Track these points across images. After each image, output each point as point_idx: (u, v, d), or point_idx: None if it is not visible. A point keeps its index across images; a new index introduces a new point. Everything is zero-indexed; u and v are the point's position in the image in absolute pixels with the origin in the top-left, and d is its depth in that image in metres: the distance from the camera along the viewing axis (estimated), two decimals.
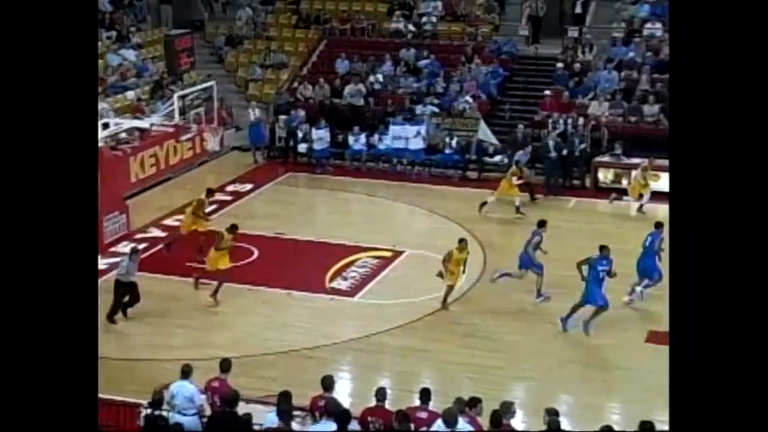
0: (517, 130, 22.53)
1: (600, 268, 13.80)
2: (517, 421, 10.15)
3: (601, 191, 21.17)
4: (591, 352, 13.69)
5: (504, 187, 19.77)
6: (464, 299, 15.50)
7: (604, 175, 21.58)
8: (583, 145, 21.95)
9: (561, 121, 22.71)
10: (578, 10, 26.69)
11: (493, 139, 23.10)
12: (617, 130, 22.38)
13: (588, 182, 21.69)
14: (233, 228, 15.44)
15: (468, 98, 24.21)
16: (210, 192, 18.03)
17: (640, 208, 19.74)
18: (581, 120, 22.65)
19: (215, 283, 15.16)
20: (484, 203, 19.72)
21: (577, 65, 24.47)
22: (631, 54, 24.44)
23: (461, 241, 15.31)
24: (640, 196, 19.84)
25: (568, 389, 12.77)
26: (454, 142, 23.09)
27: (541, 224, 15.69)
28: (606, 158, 21.67)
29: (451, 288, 15.06)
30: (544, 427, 9.48)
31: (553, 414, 9.53)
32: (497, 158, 22.73)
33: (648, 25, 25.38)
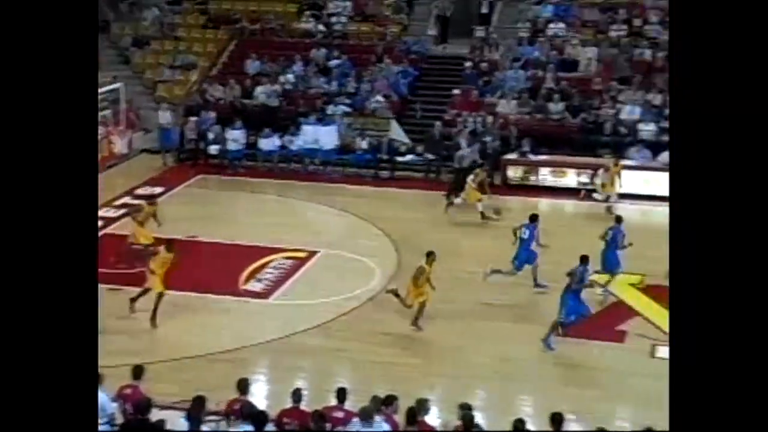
0: (435, 128, 22.82)
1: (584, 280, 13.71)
2: (432, 417, 10.31)
3: (510, 188, 21.63)
4: (501, 346, 13.89)
5: (470, 193, 19.48)
6: (378, 298, 15.63)
7: (513, 173, 22.02)
8: (497, 143, 22.36)
9: (470, 119, 23.09)
10: (485, 10, 27.15)
11: (405, 138, 23.36)
12: (525, 128, 22.87)
13: (497, 179, 22.09)
14: (171, 244, 14.84)
15: (379, 98, 24.41)
16: (152, 200, 17.84)
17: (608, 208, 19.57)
18: (490, 118, 23.10)
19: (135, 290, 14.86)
20: (482, 213, 19.21)
21: (484, 64, 24.92)
22: (536, 53, 25.02)
23: (429, 254, 14.40)
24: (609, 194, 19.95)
25: (480, 384, 13.01)
26: (366, 142, 23.24)
27: (533, 218, 15.81)
28: (514, 156, 22.12)
29: (423, 305, 14.30)
30: (458, 422, 9.68)
31: (466, 409, 9.74)
32: (409, 157, 22.98)
33: (551, 25, 26.01)
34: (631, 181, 20.62)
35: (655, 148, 21.67)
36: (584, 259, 13.90)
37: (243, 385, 10.15)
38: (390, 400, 9.82)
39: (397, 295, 14.54)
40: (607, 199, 20.02)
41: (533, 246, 15.65)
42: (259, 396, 11.77)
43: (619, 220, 16.10)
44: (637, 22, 25.32)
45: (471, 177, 19.69)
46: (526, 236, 15.65)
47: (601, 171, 20.51)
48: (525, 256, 15.60)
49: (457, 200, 19.71)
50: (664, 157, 21.23)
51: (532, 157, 21.88)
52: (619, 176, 20.20)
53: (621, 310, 15.04)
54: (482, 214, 19.18)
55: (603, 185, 20.24)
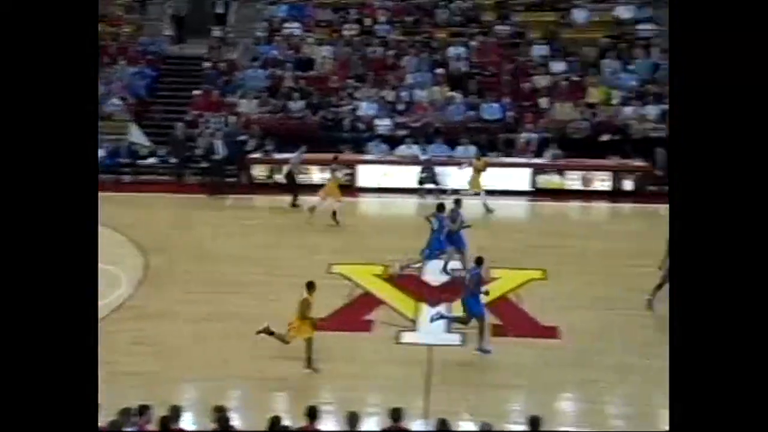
0: (177, 129, 22.55)
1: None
2: (187, 423, 10.32)
3: (256, 187, 21.82)
4: (254, 346, 13.83)
5: (332, 191, 18.99)
6: (127, 306, 15.31)
7: (258, 171, 22.24)
8: (253, 143, 22.43)
9: (212, 120, 23.04)
10: (220, 10, 27.11)
11: (146, 141, 22.90)
12: (267, 127, 23.14)
13: (243, 179, 22.23)
14: None
15: (116, 100, 23.74)
16: None
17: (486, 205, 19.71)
18: (233, 118, 23.17)
19: None
20: (334, 212, 18.76)
21: (223, 64, 24.92)
22: (274, 52, 25.37)
23: (310, 285, 13.26)
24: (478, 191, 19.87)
25: (235, 384, 13.09)
26: (104, 147, 22.51)
27: (440, 208, 16.23)
28: (259, 155, 22.34)
29: (310, 343, 13.19)
30: (213, 425, 9.78)
31: (220, 411, 9.86)
32: (151, 160, 22.58)
33: (287, 24, 26.45)
34: (369, 174, 21.54)
35: (391, 142, 22.74)
36: (479, 261, 14.03)
37: None
38: (143, 410, 9.74)
39: (270, 333, 13.34)
40: (476, 195, 19.65)
41: (443, 237, 16.06)
42: None
43: (440, 207, 16.58)
44: (367, 21, 26.34)
45: (329, 177, 19.45)
46: (436, 227, 16.12)
47: (464, 168, 20.34)
48: (435, 246, 16.10)
49: (323, 205, 19.01)
50: (401, 150, 22.39)
51: (276, 156, 22.19)
52: (483, 171, 20.00)
53: (367, 301, 15.67)
54: (334, 213, 18.85)
55: (469, 182, 19.96)
